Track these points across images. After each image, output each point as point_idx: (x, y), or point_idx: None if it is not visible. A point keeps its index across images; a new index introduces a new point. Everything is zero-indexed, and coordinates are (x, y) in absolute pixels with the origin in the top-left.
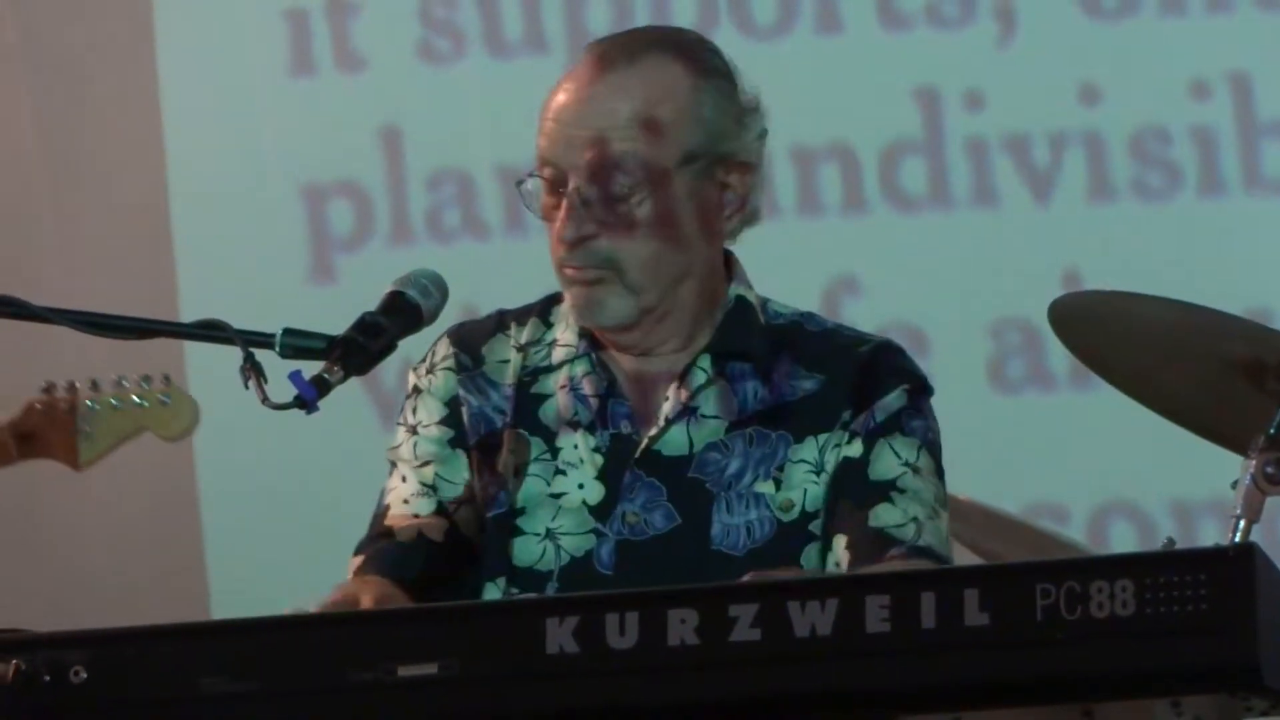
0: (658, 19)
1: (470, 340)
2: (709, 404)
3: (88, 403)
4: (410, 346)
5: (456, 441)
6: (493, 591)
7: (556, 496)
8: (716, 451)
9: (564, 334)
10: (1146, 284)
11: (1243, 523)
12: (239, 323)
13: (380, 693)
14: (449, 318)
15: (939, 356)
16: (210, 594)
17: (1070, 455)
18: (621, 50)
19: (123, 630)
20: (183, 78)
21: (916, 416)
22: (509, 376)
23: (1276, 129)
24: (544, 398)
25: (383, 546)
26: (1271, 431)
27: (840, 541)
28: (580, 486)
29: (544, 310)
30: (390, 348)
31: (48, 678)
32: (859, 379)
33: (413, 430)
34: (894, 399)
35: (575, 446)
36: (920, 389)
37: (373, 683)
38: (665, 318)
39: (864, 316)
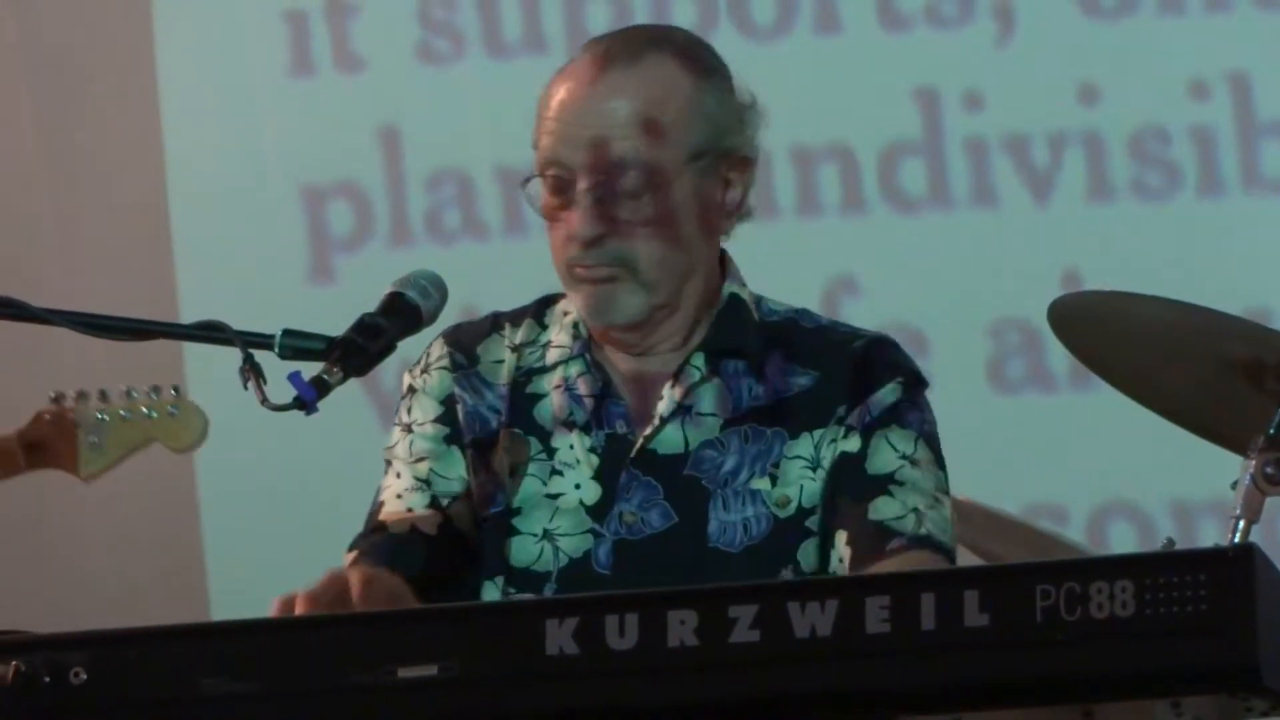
0: (658, 19)
1: (465, 340)
2: (704, 402)
3: (96, 414)
4: (410, 347)
5: (452, 439)
6: (491, 591)
7: (553, 497)
8: (712, 449)
9: (558, 335)
10: (1146, 284)
11: (1242, 523)
12: (238, 323)
13: (380, 694)
14: (449, 318)
15: (938, 357)
16: (210, 594)
17: (1070, 456)
18: (624, 48)
19: (123, 631)
20: (183, 78)
21: (912, 409)
22: (504, 377)
23: (1275, 129)
24: (539, 398)
25: (376, 540)
26: (1271, 432)
27: (841, 537)
28: (577, 487)
29: (538, 312)
30: (390, 349)
31: (48, 679)
32: (854, 374)
33: (408, 429)
34: (889, 392)
35: (571, 447)
36: (915, 382)
37: (373, 684)
38: (672, 315)
39: (863, 317)
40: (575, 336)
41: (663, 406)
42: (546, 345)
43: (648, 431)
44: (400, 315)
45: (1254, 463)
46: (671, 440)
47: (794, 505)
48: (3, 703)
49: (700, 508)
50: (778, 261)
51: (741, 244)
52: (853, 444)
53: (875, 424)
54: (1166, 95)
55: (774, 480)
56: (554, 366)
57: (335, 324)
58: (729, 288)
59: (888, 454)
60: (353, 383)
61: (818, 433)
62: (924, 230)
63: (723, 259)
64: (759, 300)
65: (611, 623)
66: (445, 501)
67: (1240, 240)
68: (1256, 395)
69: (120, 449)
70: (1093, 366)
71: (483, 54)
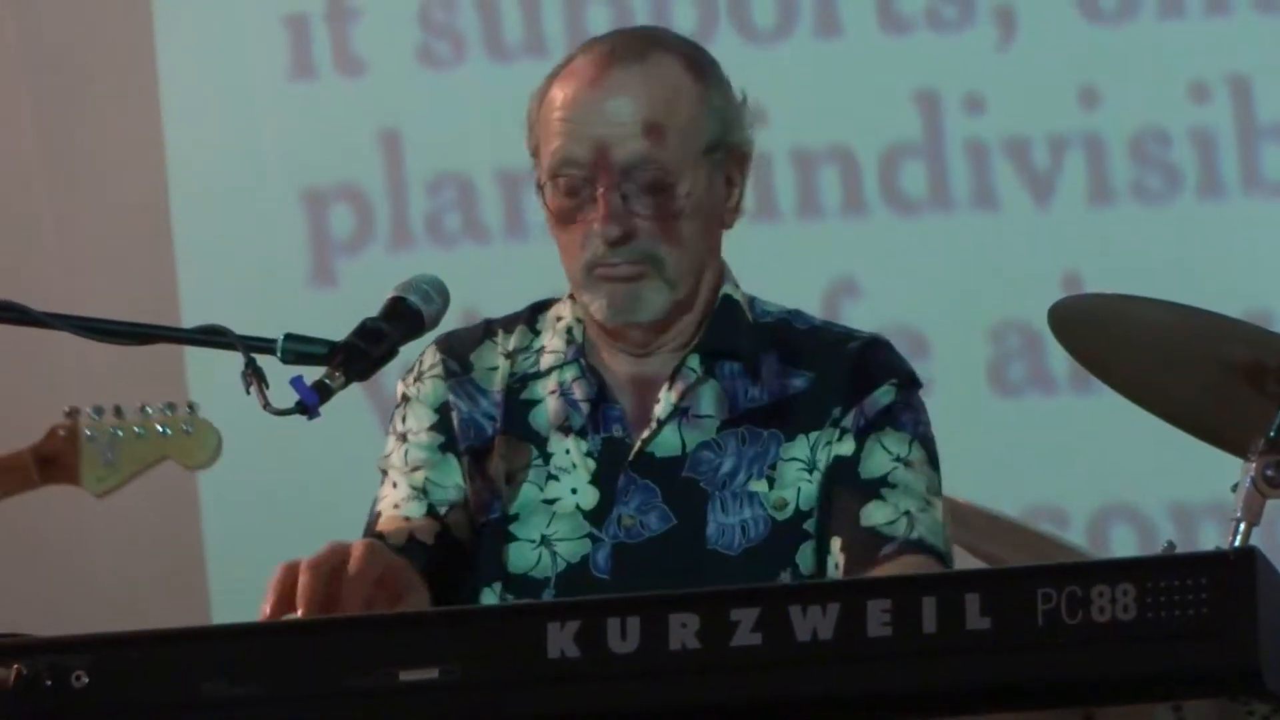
0: (657, 21)
1: (458, 348)
2: (702, 403)
3: (110, 430)
4: (411, 352)
5: (447, 446)
6: (489, 597)
7: (550, 502)
8: (709, 451)
9: (551, 340)
10: (1146, 287)
11: (1243, 526)
12: (239, 325)
13: (381, 697)
14: (450, 322)
15: (939, 359)
16: (211, 597)
17: (1070, 458)
18: (628, 48)
19: (125, 635)
20: (183, 80)
21: (906, 411)
22: (498, 383)
23: (1276, 131)
24: (534, 403)
25: None
26: (1271, 434)
27: (836, 543)
28: (574, 491)
29: (531, 317)
30: (392, 353)
31: (49, 682)
32: (849, 376)
33: (403, 438)
34: (883, 394)
35: (567, 452)
36: (909, 383)
37: (374, 687)
38: (685, 313)
39: (864, 319)
40: (569, 341)
41: (660, 409)
42: (540, 351)
43: (645, 434)
44: (402, 320)
45: (1254, 465)
46: (669, 443)
47: (791, 508)
48: (4, 706)
49: (698, 510)
50: (778, 263)
51: (742, 246)
52: (847, 447)
53: (869, 427)
54: (1167, 98)
55: (771, 482)
56: (548, 372)
57: (336, 326)
58: (723, 289)
59: (881, 457)
60: (354, 387)
61: (814, 435)
62: (925, 233)
63: None
64: (752, 301)
65: (613, 626)
66: (442, 510)
67: (1240, 243)
68: (1257, 398)
69: (133, 466)
70: (1093, 369)
71: (483, 57)
